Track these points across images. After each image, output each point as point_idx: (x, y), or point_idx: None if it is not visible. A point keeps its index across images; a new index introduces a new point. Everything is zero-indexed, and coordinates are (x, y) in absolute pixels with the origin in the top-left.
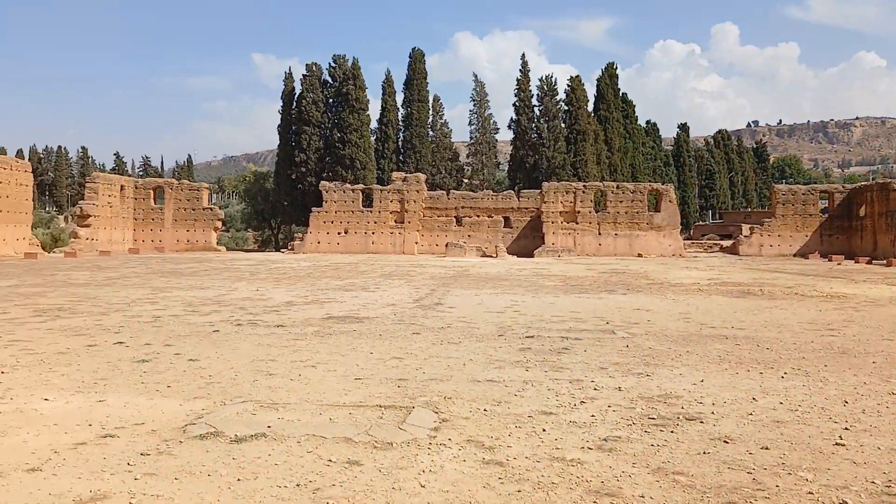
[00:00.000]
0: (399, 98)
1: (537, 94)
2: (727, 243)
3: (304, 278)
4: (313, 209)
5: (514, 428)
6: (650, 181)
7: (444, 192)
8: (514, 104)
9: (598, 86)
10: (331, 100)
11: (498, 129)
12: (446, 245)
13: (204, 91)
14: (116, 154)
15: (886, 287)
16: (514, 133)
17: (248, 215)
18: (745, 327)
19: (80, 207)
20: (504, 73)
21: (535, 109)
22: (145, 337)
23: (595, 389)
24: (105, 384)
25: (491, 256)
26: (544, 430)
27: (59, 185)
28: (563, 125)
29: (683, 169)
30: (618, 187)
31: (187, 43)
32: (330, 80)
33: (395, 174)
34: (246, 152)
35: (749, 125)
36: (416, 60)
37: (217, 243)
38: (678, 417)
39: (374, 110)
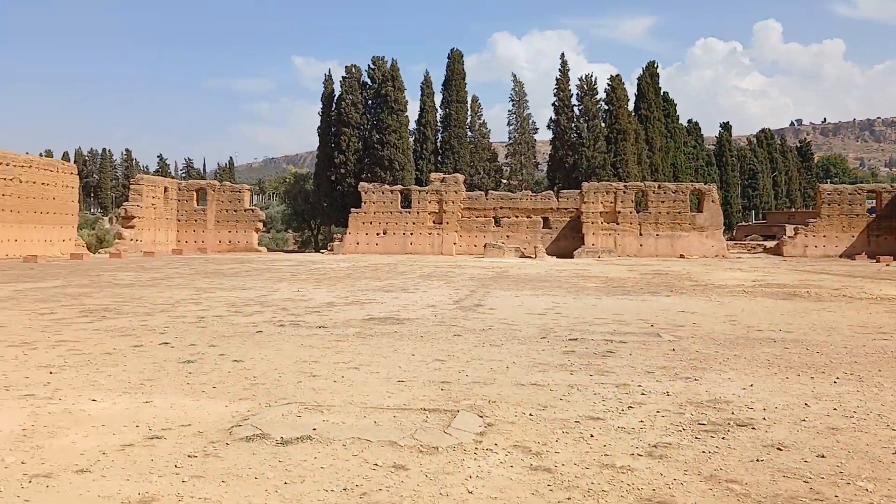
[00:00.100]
0: (437, 99)
1: (577, 94)
2: (771, 244)
3: (344, 279)
4: (352, 210)
5: (562, 433)
6: (692, 181)
7: (482, 192)
8: (553, 104)
9: (638, 85)
10: (370, 101)
11: (537, 129)
12: (485, 246)
13: (246, 94)
14: (160, 156)
15: None
16: (553, 133)
17: (288, 216)
18: (793, 330)
19: (125, 209)
20: (542, 72)
21: (575, 109)
22: (190, 337)
23: (642, 394)
24: (151, 385)
25: (530, 257)
26: (592, 436)
27: (103, 186)
28: (603, 124)
29: (726, 168)
30: (659, 187)
31: (230, 47)
32: (369, 81)
33: (433, 175)
34: (286, 154)
35: (792, 124)
36: (455, 61)
37: (258, 244)
38: (729, 423)
39: (413, 111)
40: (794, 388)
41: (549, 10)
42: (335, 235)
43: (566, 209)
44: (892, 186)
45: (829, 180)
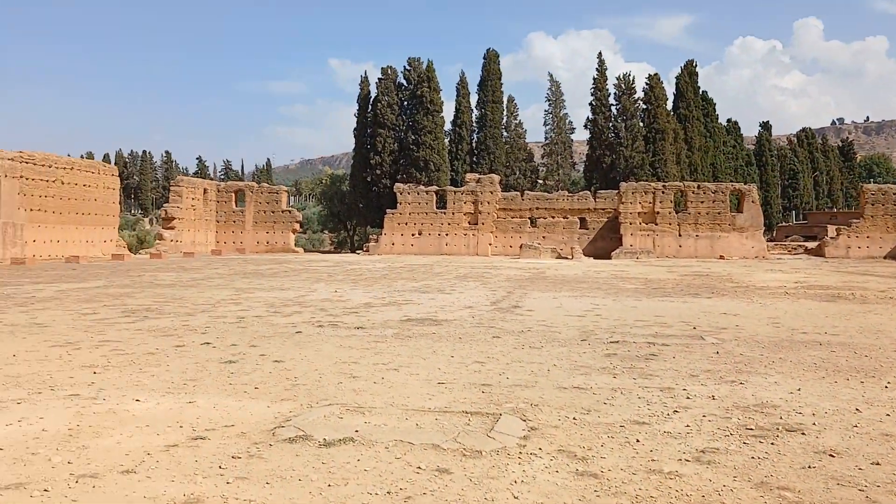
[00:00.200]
0: (473, 99)
1: (614, 93)
2: (812, 245)
3: (381, 280)
4: (388, 211)
5: (607, 438)
6: (731, 181)
7: (518, 193)
8: (590, 103)
9: (677, 84)
10: (405, 102)
11: (573, 128)
12: (520, 246)
13: (282, 96)
14: (199, 158)
15: None
16: (590, 132)
17: (324, 217)
18: (839, 333)
19: (165, 210)
20: (578, 72)
21: (613, 108)
22: (231, 338)
23: (688, 398)
24: (194, 385)
25: (566, 258)
26: (638, 441)
27: (144, 188)
28: (641, 124)
29: (766, 168)
30: (698, 187)
31: (267, 50)
32: (405, 82)
33: (468, 175)
34: (322, 155)
35: (834, 123)
36: (491, 61)
37: (295, 245)
38: (777, 428)
39: (448, 112)
40: (843, 392)
41: (586, 9)
42: (371, 236)
43: (604, 209)
44: None
45: (872, 180)
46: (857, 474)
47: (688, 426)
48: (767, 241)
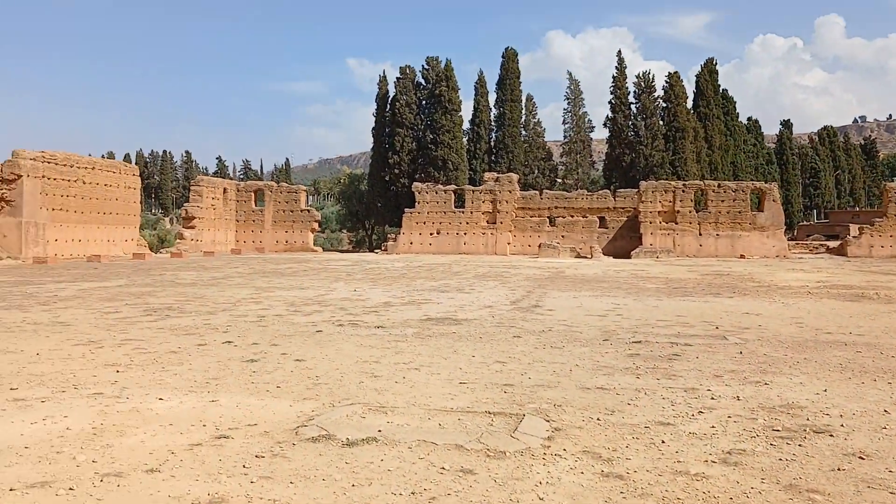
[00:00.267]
0: (491, 98)
1: (634, 91)
2: (834, 244)
3: (399, 279)
4: (406, 210)
5: (632, 439)
6: (752, 180)
7: (536, 192)
8: (609, 101)
9: (697, 82)
10: (424, 101)
11: (593, 127)
12: (539, 246)
13: (300, 96)
14: (219, 158)
15: None
16: (609, 131)
17: (342, 216)
18: (864, 333)
19: (185, 209)
20: (597, 70)
21: (632, 107)
22: (252, 336)
23: (712, 399)
24: (217, 384)
25: (585, 257)
26: (663, 442)
27: (164, 187)
28: (661, 122)
29: (787, 167)
30: (719, 186)
31: (285, 50)
32: (423, 81)
33: (487, 174)
34: (340, 155)
35: (856, 121)
36: (509, 60)
37: (313, 244)
38: (804, 430)
39: (467, 111)
40: (870, 393)
41: (605, 7)
42: (389, 235)
43: (623, 208)
44: None
45: (895, 178)
46: (888, 477)
47: (713, 427)
48: (788, 240)
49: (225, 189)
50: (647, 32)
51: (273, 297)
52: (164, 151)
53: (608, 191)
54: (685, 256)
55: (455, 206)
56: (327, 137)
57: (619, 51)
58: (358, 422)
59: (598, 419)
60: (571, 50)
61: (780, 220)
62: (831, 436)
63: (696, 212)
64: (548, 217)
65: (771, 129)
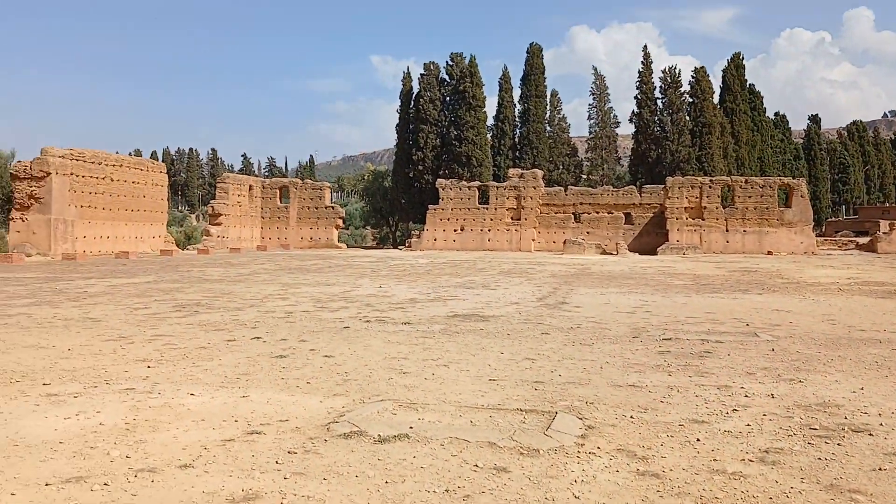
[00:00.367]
0: (516, 94)
1: (660, 87)
2: (863, 240)
3: (424, 275)
4: (430, 206)
5: (666, 437)
6: (779, 175)
7: (561, 188)
8: (635, 97)
9: (723, 77)
10: (448, 98)
11: (618, 122)
12: (564, 242)
13: (324, 93)
14: (244, 155)
15: None
16: (635, 127)
17: (366, 213)
18: None
19: (212, 206)
20: (621, 66)
21: (658, 102)
22: (280, 332)
23: (746, 396)
24: (247, 379)
25: (611, 254)
26: (698, 440)
27: (190, 185)
28: (687, 118)
29: (815, 162)
30: (746, 182)
31: (309, 49)
32: (447, 78)
33: (511, 171)
34: (363, 152)
35: (885, 115)
36: (534, 55)
37: (338, 240)
38: (842, 429)
39: (491, 107)
40: None
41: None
42: (413, 232)
43: (649, 205)
44: None
45: None
46: None
47: (748, 425)
48: (816, 236)
49: (250, 186)
50: (671, 27)
51: (299, 294)
52: (191, 149)
53: (634, 187)
54: (711, 253)
55: (479, 203)
56: (350, 135)
57: (645, 46)
58: (389, 418)
59: (631, 417)
60: (595, 45)
61: (809, 216)
62: (870, 435)
63: (723, 208)
64: (573, 213)
65: (798, 125)
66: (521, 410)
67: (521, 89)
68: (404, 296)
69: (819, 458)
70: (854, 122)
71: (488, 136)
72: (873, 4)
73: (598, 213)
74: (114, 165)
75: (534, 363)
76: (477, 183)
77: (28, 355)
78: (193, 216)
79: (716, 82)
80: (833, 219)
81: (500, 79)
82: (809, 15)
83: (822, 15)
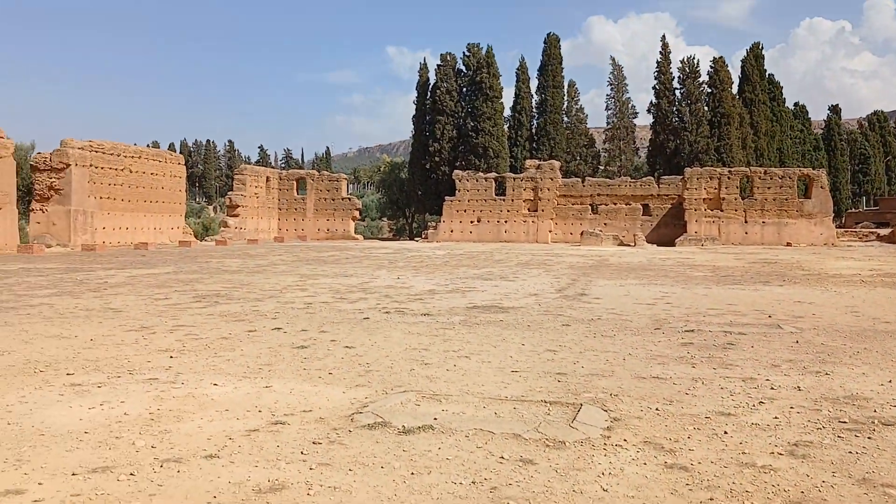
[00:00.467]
0: (533, 85)
1: (678, 77)
2: (884, 231)
3: (442, 266)
4: (446, 198)
5: (693, 430)
6: (799, 166)
7: (578, 179)
8: (653, 87)
9: (742, 67)
10: (464, 89)
11: (636, 113)
12: (581, 233)
13: (340, 85)
14: (261, 147)
15: None
16: (653, 117)
17: (382, 204)
18: None
19: (230, 198)
20: (639, 56)
21: (677, 92)
22: (300, 323)
23: (772, 389)
24: (269, 370)
25: (629, 245)
26: (726, 433)
27: (208, 176)
28: (705, 108)
29: (835, 153)
30: (765, 173)
31: (325, 40)
32: (464, 69)
33: (528, 162)
34: (379, 143)
35: None
36: (551, 46)
37: (354, 232)
38: (872, 422)
39: (508, 98)
40: None
41: None
42: (429, 223)
43: (667, 196)
44: None
45: None
46: None
47: (776, 418)
48: (836, 227)
49: (268, 178)
50: (689, 17)
51: (318, 285)
52: (208, 141)
53: (652, 178)
54: (730, 244)
55: (496, 194)
56: (366, 126)
57: (664, 35)
58: (413, 409)
59: (656, 409)
60: (613, 35)
61: (829, 208)
62: None
63: (742, 199)
64: (590, 205)
65: (818, 115)
66: (545, 402)
67: (539, 80)
68: (422, 287)
69: (850, 452)
70: (875, 112)
71: (505, 127)
72: None
73: (615, 204)
74: (132, 157)
75: (555, 355)
76: (494, 174)
77: (51, 345)
78: (211, 207)
79: (734, 73)
80: (853, 210)
81: (517, 69)
82: (829, 4)
83: (843, 4)
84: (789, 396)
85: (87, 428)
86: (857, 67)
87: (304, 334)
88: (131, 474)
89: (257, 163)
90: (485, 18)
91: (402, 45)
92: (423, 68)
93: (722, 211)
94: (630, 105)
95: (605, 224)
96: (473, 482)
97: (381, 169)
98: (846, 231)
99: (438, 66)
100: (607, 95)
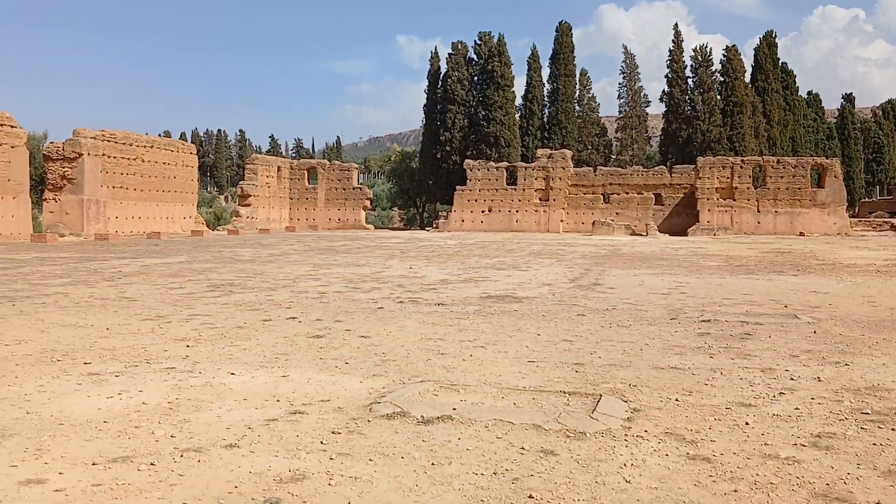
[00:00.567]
0: (545, 73)
1: (690, 66)
2: None
3: (454, 256)
4: (457, 187)
5: (714, 420)
6: (812, 155)
7: (590, 168)
8: (666, 76)
9: (755, 55)
10: (476, 77)
11: (649, 102)
12: (593, 223)
13: (350, 75)
14: (271, 136)
15: None
16: (666, 106)
17: (393, 194)
18: None
19: (241, 187)
20: (650, 44)
21: (689, 81)
22: (315, 313)
23: (791, 379)
24: (286, 359)
25: (641, 235)
26: (747, 424)
27: (219, 166)
28: (718, 97)
29: (848, 142)
30: (778, 162)
31: (334, 29)
32: (475, 57)
33: (539, 151)
34: (390, 133)
35: None
36: (563, 34)
37: (365, 221)
38: (895, 413)
39: (519, 87)
40: None
41: None
42: (440, 213)
43: (679, 185)
44: None
45: None
46: None
47: (797, 409)
48: (850, 217)
49: (279, 167)
50: (700, 5)
51: (331, 274)
52: (219, 130)
53: (664, 167)
54: (742, 234)
55: (507, 184)
56: (376, 116)
57: (676, 24)
58: (431, 399)
59: (676, 400)
60: (624, 23)
61: (842, 197)
62: None
63: (755, 188)
64: (602, 194)
65: (831, 104)
66: (563, 393)
67: (550, 68)
68: (435, 277)
69: (874, 444)
70: (889, 101)
71: (517, 116)
72: None
73: (627, 193)
74: (145, 146)
75: (572, 345)
76: (505, 164)
77: (67, 334)
78: (222, 197)
79: (747, 61)
80: (867, 199)
81: (529, 58)
82: None
83: None
84: (810, 387)
85: (105, 417)
86: (870, 56)
87: (319, 324)
88: (152, 464)
89: (268, 152)
90: (496, 7)
91: (412, 34)
92: (434, 57)
93: (734, 200)
94: (642, 94)
95: (616, 213)
96: (495, 473)
97: (392, 158)
98: (860, 221)
99: (450, 54)
100: (619, 84)
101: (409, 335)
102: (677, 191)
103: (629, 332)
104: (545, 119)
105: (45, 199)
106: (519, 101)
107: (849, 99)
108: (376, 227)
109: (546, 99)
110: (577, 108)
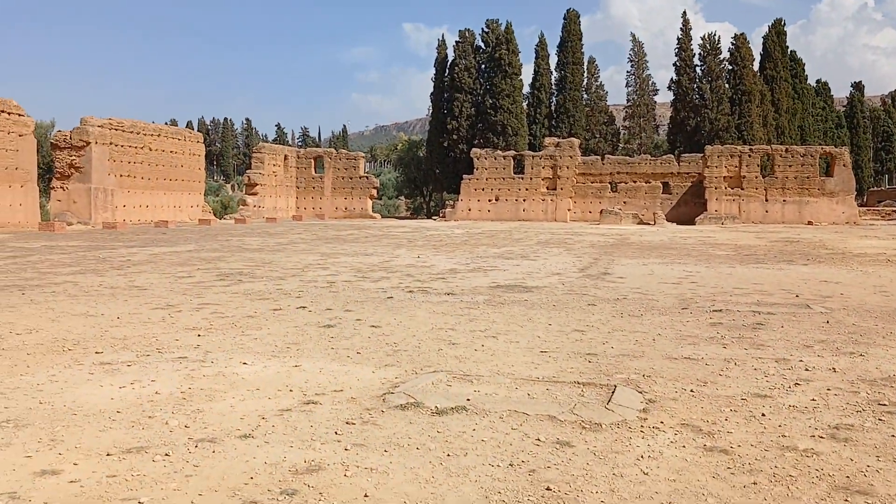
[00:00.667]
0: (552, 61)
1: (699, 54)
2: None
3: (461, 245)
4: (464, 176)
5: (730, 412)
6: (821, 144)
7: (598, 157)
8: (674, 64)
9: (764, 44)
10: (483, 66)
11: (657, 90)
12: (600, 212)
13: (356, 63)
14: (278, 125)
15: None
16: (674, 94)
17: (400, 183)
18: None
19: (248, 176)
20: (656, 32)
21: (697, 69)
22: (324, 302)
23: (806, 370)
24: (297, 349)
25: (648, 224)
26: (763, 415)
27: (225, 155)
28: (726, 85)
29: (857, 131)
30: (786, 150)
31: (341, 17)
32: (482, 45)
33: (547, 140)
34: (396, 121)
35: None
36: (571, 22)
37: (372, 210)
38: None
39: (527, 75)
40: None
41: None
42: (447, 202)
43: (687, 174)
44: None
45: None
46: None
47: (813, 400)
48: (858, 206)
49: (286, 156)
50: None
51: (339, 263)
52: (225, 119)
53: (672, 156)
54: (751, 223)
55: (514, 172)
56: (383, 104)
57: (684, 12)
58: (445, 390)
59: (691, 391)
60: (631, 11)
61: (851, 186)
62: None
63: (763, 177)
64: (609, 183)
65: (840, 92)
66: (577, 383)
67: (558, 56)
68: (444, 266)
69: (893, 436)
70: None
71: (524, 104)
72: None
73: (635, 182)
74: (152, 135)
75: (584, 335)
76: (512, 152)
77: (78, 323)
78: (229, 186)
79: (755, 50)
80: (875, 188)
81: (537, 46)
82: None
83: None
84: (825, 378)
85: (119, 407)
86: (879, 44)
87: (329, 313)
88: (166, 454)
89: (275, 141)
90: None
91: (419, 22)
92: (442, 45)
93: (742, 189)
94: (650, 82)
95: (624, 202)
96: (511, 464)
97: (399, 147)
98: (868, 209)
99: (457, 42)
100: (627, 72)
101: (420, 325)
102: (685, 179)
103: (641, 322)
104: (553, 107)
105: (53, 187)
106: (526, 89)
107: (858, 87)
108: (383, 216)
109: (554, 87)
110: (585, 96)
